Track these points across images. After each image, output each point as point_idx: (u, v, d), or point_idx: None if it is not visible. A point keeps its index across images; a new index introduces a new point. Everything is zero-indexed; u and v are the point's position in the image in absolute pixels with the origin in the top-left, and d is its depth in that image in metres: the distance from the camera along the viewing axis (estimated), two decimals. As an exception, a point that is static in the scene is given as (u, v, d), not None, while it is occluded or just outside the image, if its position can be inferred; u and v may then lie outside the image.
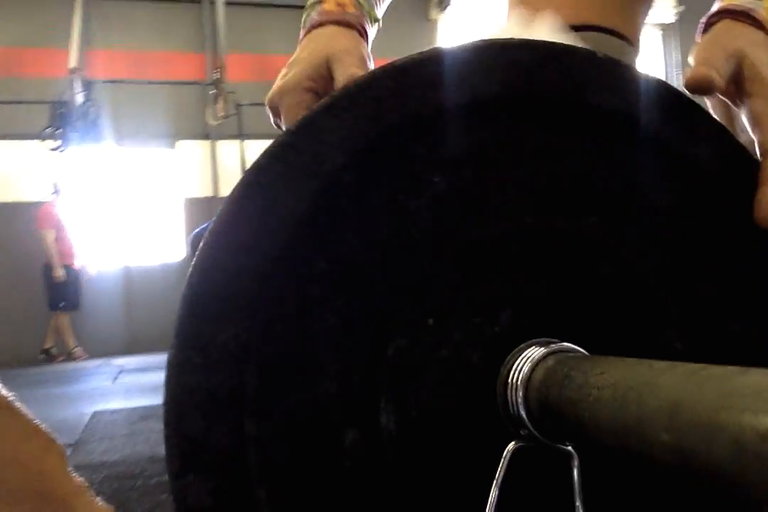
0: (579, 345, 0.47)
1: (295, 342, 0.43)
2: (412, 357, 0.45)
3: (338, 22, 0.64)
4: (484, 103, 0.47)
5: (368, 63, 0.64)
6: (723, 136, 0.51)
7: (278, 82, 0.63)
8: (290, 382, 0.43)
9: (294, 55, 0.66)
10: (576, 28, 0.73)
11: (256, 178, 0.42)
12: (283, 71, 0.64)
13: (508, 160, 0.48)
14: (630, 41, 0.79)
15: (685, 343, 0.50)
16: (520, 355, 0.46)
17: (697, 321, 0.50)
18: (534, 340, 0.47)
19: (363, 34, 0.66)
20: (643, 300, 0.50)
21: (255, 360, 0.42)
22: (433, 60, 0.46)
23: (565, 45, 0.49)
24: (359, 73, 0.59)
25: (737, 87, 0.54)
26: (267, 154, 0.43)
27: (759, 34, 0.55)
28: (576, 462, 0.44)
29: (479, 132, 0.47)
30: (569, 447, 0.44)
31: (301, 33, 0.68)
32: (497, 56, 0.47)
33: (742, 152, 0.52)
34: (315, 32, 0.66)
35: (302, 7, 0.71)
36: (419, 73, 0.45)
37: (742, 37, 0.54)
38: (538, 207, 0.48)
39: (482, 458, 0.45)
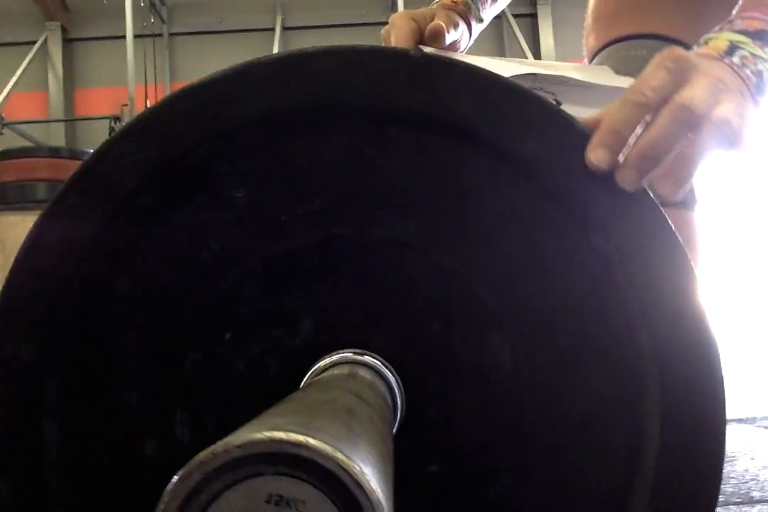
0: (393, 355, 0.46)
1: (96, 356, 0.46)
2: (207, 370, 0.46)
3: (447, 7, 0.81)
4: (285, 114, 0.47)
5: (460, 33, 0.78)
6: (556, 128, 0.47)
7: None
8: (92, 393, 0.46)
9: None
10: (640, 37, 0.95)
11: (54, 206, 0.46)
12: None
13: (316, 171, 0.48)
14: (688, 46, 0.90)
15: (513, 349, 0.47)
16: (320, 367, 0.45)
17: (526, 327, 0.47)
18: (338, 352, 0.46)
19: (467, 22, 0.81)
20: (465, 305, 0.47)
21: (56, 373, 0.45)
22: (225, 78, 0.47)
23: (369, 48, 0.47)
24: (442, 25, 0.73)
25: None
26: (67, 183, 0.46)
27: None
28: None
29: (283, 144, 0.47)
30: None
31: None
32: (296, 67, 0.47)
33: (578, 143, 0.46)
34: None
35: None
36: (211, 93, 0.46)
37: None
38: (350, 216, 0.48)
39: None
